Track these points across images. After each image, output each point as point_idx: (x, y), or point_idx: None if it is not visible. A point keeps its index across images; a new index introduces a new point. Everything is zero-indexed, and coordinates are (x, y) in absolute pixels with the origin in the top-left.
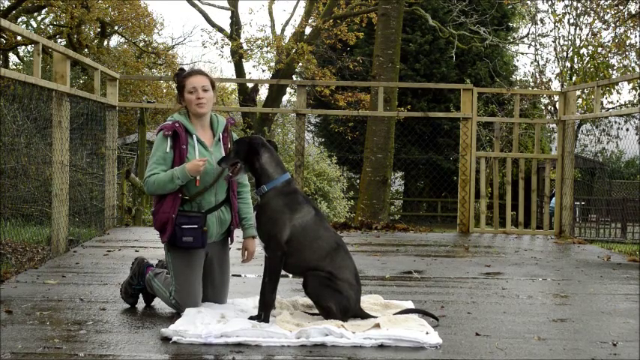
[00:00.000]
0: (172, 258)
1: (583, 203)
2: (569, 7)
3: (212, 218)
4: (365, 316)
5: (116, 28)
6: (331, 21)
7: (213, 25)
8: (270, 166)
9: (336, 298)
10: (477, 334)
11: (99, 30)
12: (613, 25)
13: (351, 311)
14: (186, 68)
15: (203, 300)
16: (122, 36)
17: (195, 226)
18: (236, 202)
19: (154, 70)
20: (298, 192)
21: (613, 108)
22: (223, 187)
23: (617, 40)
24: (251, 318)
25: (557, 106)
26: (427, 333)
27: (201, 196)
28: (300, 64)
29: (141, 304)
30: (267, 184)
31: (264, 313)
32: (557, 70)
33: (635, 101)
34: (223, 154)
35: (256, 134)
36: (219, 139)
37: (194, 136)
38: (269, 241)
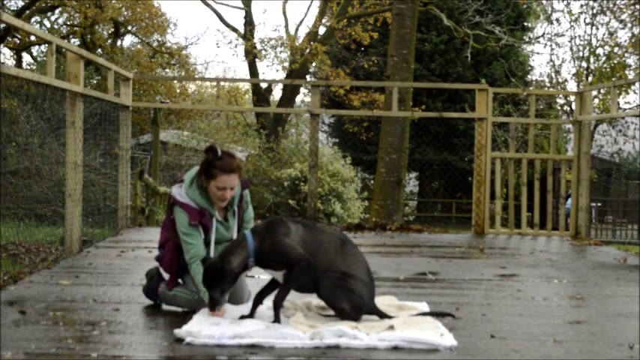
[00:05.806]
0: None
1: (599, 204)
2: (585, 7)
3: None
4: (382, 315)
5: (129, 27)
6: (345, 21)
7: (226, 24)
8: (236, 260)
9: (348, 298)
10: (492, 336)
11: (112, 30)
12: (630, 25)
13: (365, 308)
14: (219, 149)
15: None
16: (135, 36)
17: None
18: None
19: (168, 70)
20: (273, 224)
21: (630, 108)
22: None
23: (633, 40)
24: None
25: (573, 106)
26: (442, 335)
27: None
28: (314, 64)
29: (145, 304)
30: (250, 252)
31: (274, 314)
32: (574, 70)
33: None
34: (236, 225)
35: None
36: (234, 212)
37: (214, 219)
38: (289, 264)
